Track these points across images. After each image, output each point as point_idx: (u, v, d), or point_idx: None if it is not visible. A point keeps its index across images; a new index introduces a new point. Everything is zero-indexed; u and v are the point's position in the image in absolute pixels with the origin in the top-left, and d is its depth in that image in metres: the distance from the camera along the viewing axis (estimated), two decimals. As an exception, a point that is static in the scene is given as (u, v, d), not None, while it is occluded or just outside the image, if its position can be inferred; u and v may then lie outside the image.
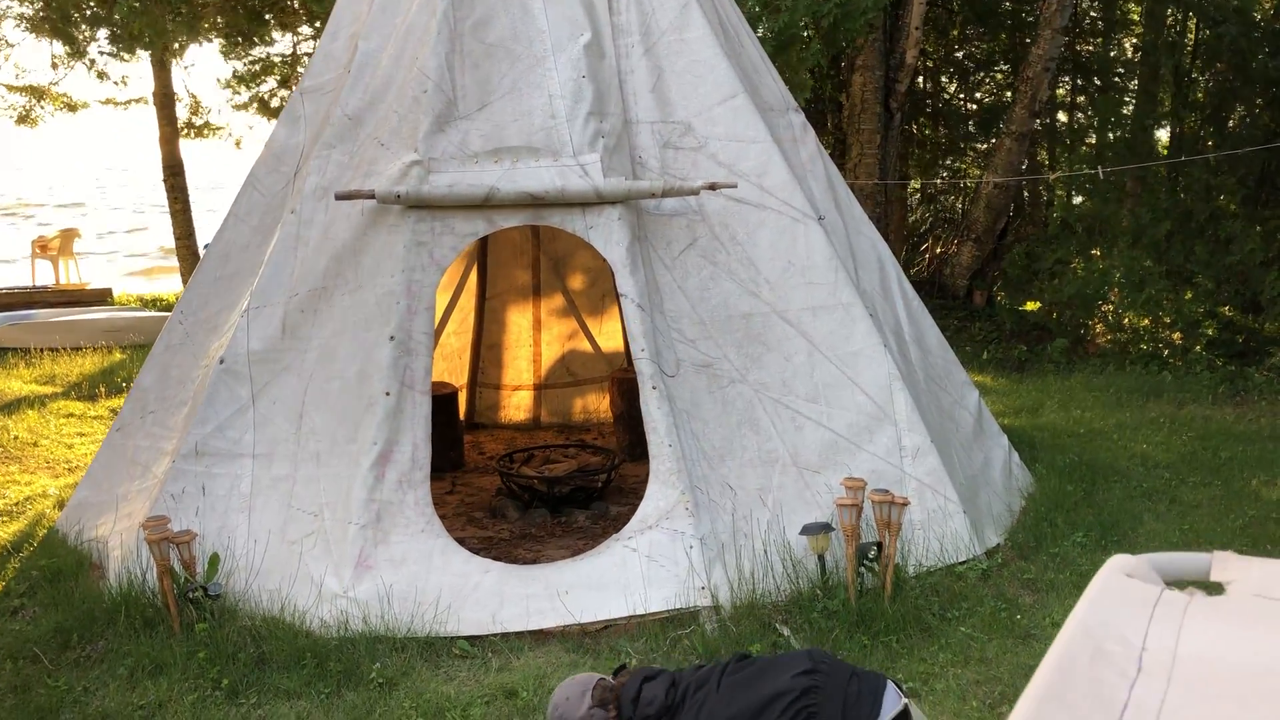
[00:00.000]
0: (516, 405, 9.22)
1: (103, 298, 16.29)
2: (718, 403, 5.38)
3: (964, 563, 5.28)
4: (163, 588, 4.73)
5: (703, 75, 5.92)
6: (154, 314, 14.78)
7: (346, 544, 4.90)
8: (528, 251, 8.92)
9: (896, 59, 13.43)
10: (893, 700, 3.06)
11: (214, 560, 4.92)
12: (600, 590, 4.83)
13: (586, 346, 9.15)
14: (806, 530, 4.90)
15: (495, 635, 4.70)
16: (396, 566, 4.88)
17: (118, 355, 12.61)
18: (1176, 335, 11.31)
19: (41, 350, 12.18)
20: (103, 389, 10.38)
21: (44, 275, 17.60)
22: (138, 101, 17.41)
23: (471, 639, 4.69)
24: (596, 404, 9.22)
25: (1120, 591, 1.03)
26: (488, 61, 5.56)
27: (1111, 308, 12.09)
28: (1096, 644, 0.91)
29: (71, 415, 9.65)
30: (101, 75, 15.55)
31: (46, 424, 8.98)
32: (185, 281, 16.12)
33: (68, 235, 17.61)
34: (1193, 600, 1.04)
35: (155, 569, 4.76)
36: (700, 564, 4.81)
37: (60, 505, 6.49)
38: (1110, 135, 14.29)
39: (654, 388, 5.14)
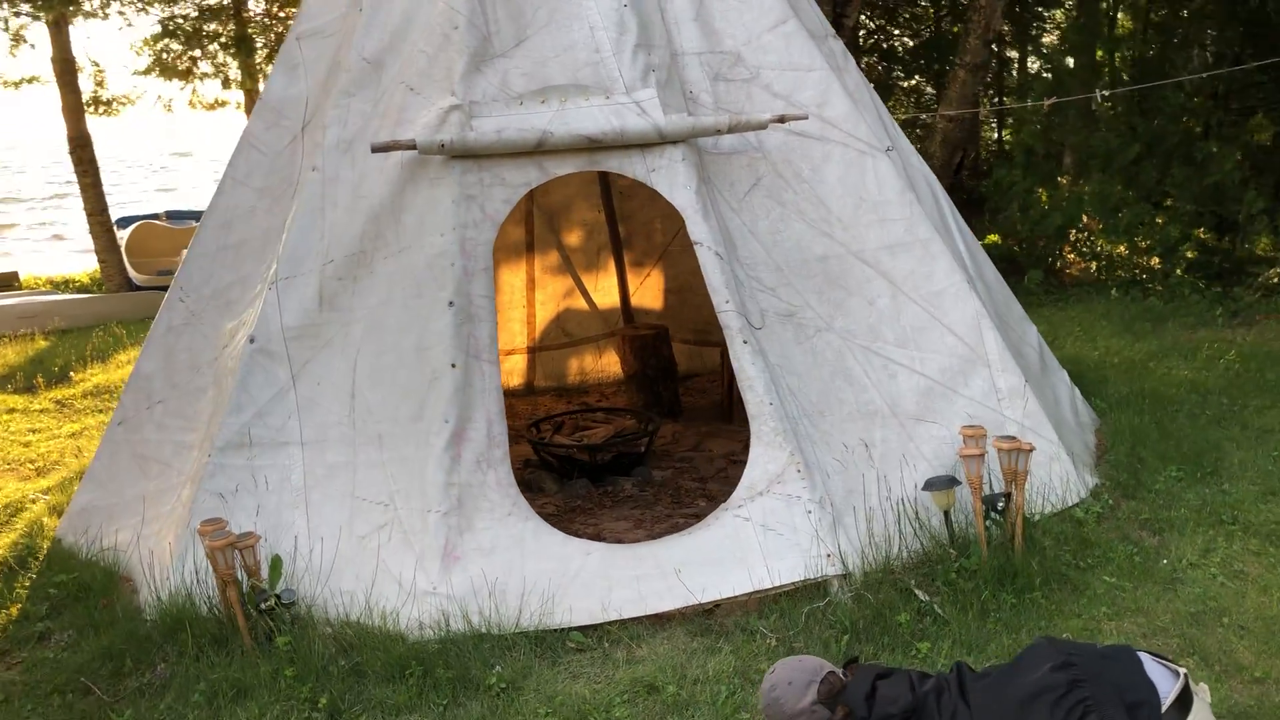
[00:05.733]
0: (509, 370, 8.67)
1: (9, 282, 15.14)
2: (807, 354, 4.98)
3: (1076, 506, 5.00)
4: (226, 599, 4.17)
5: (747, 0, 5.48)
6: (70, 296, 13.78)
7: (428, 535, 4.38)
8: (520, 205, 8.33)
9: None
10: (1165, 676, 2.74)
11: (276, 563, 4.36)
12: (716, 565, 4.40)
13: (583, 305, 8.65)
14: (931, 485, 4.55)
15: (609, 624, 4.26)
16: (487, 555, 4.39)
17: (41, 342, 11.68)
18: (1155, 260, 11.27)
19: None
20: (40, 379, 9.53)
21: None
22: (30, 81, 15.95)
23: (584, 629, 4.24)
24: (593, 364, 8.76)
25: None
26: (516, -11, 5.04)
27: (1083, 236, 12.01)
28: None
29: (14, 410, 8.83)
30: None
31: (-11, 422, 8.16)
32: (100, 258, 15.05)
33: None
34: None
35: (216, 578, 4.18)
36: (822, 529, 4.43)
37: (55, 511, 5.79)
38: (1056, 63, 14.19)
39: (744, 342, 4.71)
